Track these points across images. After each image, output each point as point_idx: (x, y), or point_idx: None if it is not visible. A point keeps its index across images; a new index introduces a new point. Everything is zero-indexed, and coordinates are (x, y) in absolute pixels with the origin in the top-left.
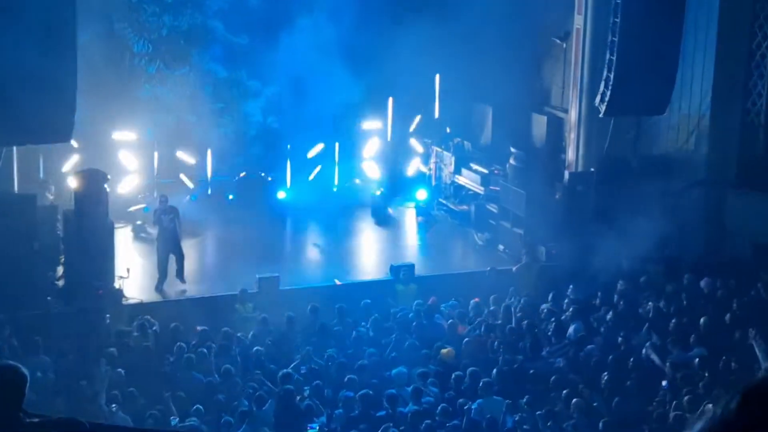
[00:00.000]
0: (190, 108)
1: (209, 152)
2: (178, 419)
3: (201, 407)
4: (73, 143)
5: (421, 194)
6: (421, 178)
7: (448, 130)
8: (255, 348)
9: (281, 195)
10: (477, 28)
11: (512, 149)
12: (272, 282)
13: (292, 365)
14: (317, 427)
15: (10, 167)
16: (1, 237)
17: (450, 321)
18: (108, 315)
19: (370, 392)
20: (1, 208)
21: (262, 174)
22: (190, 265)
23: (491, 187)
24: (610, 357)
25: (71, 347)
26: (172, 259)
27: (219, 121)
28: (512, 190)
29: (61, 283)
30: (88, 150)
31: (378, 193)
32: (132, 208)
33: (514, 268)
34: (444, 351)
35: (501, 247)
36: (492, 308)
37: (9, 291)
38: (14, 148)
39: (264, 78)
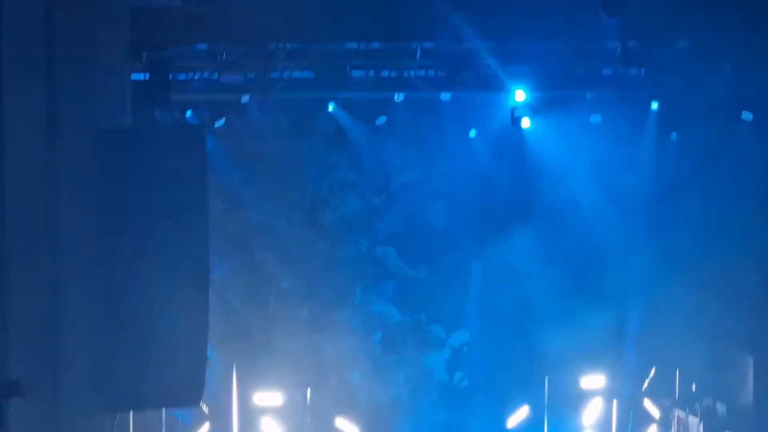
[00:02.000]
0: (354, 362)
1: (380, 421)
2: None
3: None
4: (203, 408)
5: None
6: None
7: (693, 387)
8: None
9: None
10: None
11: None
12: None
13: None
14: None
15: None
16: None
17: None
18: None
19: None
20: None
21: None
22: None
23: None
24: None
25: None
26: None
27: (391, 380)
28: None
29: None
30: (221, 417)
31: None
32: None
33: None
34: None
35: None
36: None
37: None
38: (131, 414)
39: (449, 322)
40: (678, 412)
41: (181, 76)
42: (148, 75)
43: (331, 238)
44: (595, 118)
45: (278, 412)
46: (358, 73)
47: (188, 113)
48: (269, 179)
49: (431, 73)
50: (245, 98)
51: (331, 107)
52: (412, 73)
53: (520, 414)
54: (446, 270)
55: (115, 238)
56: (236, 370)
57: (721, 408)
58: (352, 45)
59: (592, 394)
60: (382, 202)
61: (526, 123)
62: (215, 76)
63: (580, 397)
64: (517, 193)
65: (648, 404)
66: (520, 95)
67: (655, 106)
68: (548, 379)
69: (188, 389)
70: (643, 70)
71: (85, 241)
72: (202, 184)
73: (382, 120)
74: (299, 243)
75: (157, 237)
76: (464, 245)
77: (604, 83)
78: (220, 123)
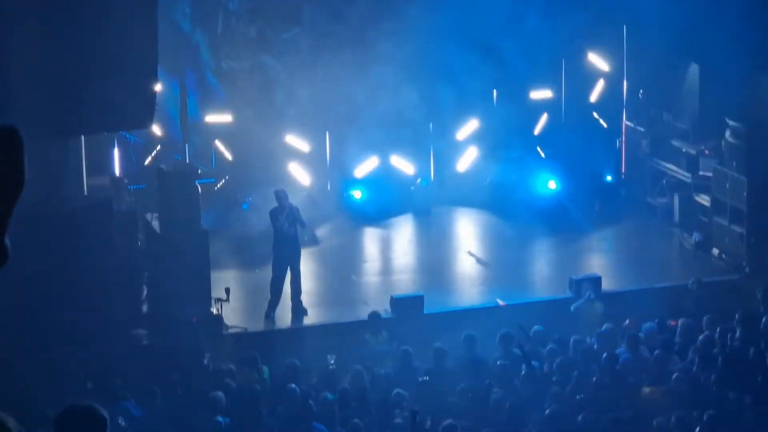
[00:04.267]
0: (303, 79)
1: (327, 135)
2: None
3: None
4: (155, 130)
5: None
6: (607, 162)
7: (640, 97)
8: (396, 391)
9: (418, 182)
10: None
11: (729, 121)
12: (413, 304)
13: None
14: None
15: (78, 164)
16: (71, 252)
17: (656, 352)
18: (208, 354)
19: None
20: (69, 216)
21: (396, 160)
22: (306, 283)
23: (701, 173)
24: None
25: (160, 391)
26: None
27: (338, 95)
28: (730, 176)
29: (144, 308)
30: (173, 138)
31: (551, 185)
32: (218, 186)
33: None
34: (647, 390)
35: (716, 251)
36: (706, 333)
37: (81, 321)
38: (82, 138)
39: (397, 36)
40: (626, 124)
41: None
42: None
43: None
44: None
45: (229, 132)
46: None
47: None
48: None
49: None
50: None
51: None
52: None
53: (470, 127)
54: None
55: None
56: (186, 91)
57: (667, 118)
58: None
59: (541, 107)
60: None
61: None
62: None
63: (529, 109)
64: None
65: (596, 115)
66: None
67: None
68: (496, 93)
69: (139, 112)
70: None
71: None
72: None
73: None
74: None
75: None
76: None
77: None
78: None
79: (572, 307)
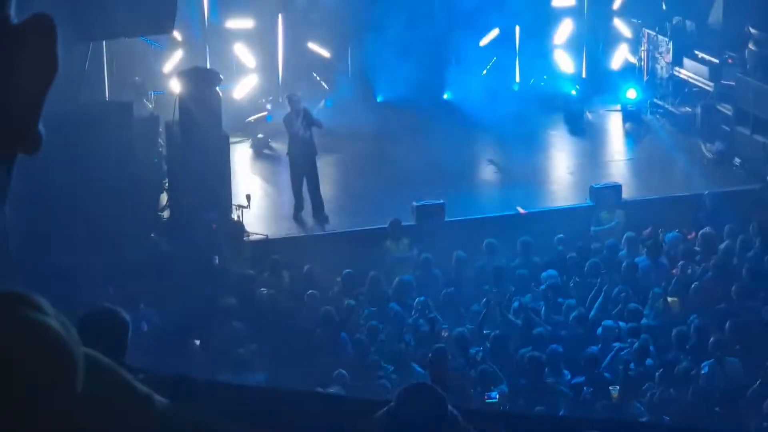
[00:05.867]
0: None
1: (350, 42)
2: None
3: (344, 372)
4: (176, 36)
5: (631, 93)
6: (629, 72)
7: (663, 6)
8: (419, 299)
9: (444, 95)
10: None
11: (752, 30)
12: (435, 211)
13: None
14: (497, 397)
15: (99, 69)
16: (92, 157)
17: (681, 263)
18: (216, 256)
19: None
20: (89, 120)
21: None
22: (326, 189)
23: (724, 82)
24: None
25: (179, 296)
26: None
27: (361, 2)
28: (753, 86)
29: (165, 215)
30: (194, 44)
31: (573, 92)
32: (252, 118)
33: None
34: (670, 300)
35: (737, 160)
36: (726, 243)
37: (102, 226)
38: (104, 44)
39: None
40: (648, 32)
41: None
42: None
43: None
44: None
45: (250, 37)
46: None
47: None
48: None
49: None
50: None
51: None
52: None
53: (491, 34)
54: None
55: None
56: None
57: (690, 26)
58: None
59: (563, 13)
60: None
61: None
62: None
63: (552, 17)
64: None
65: (618, 23)
66: None
67: None
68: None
69: (160, 17)
70: None
71: None
72: None
73: None
74: None
75: None
76: None
77: None
78: None
79: (592, 230)
